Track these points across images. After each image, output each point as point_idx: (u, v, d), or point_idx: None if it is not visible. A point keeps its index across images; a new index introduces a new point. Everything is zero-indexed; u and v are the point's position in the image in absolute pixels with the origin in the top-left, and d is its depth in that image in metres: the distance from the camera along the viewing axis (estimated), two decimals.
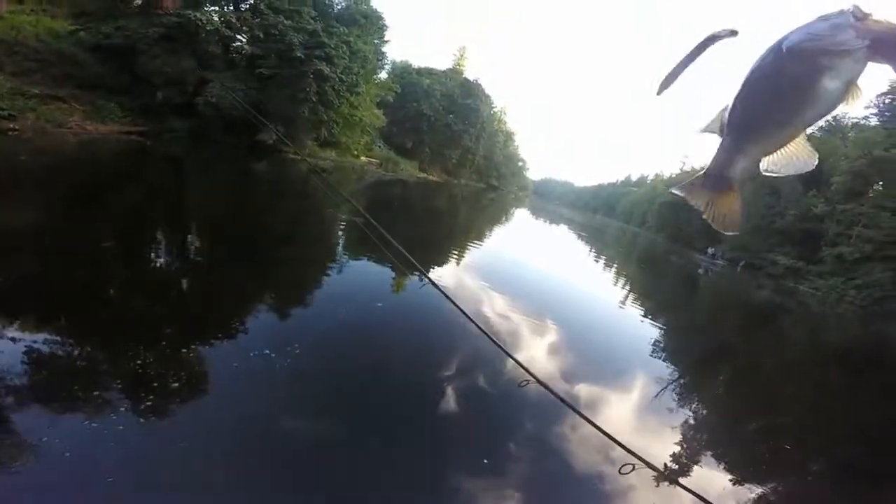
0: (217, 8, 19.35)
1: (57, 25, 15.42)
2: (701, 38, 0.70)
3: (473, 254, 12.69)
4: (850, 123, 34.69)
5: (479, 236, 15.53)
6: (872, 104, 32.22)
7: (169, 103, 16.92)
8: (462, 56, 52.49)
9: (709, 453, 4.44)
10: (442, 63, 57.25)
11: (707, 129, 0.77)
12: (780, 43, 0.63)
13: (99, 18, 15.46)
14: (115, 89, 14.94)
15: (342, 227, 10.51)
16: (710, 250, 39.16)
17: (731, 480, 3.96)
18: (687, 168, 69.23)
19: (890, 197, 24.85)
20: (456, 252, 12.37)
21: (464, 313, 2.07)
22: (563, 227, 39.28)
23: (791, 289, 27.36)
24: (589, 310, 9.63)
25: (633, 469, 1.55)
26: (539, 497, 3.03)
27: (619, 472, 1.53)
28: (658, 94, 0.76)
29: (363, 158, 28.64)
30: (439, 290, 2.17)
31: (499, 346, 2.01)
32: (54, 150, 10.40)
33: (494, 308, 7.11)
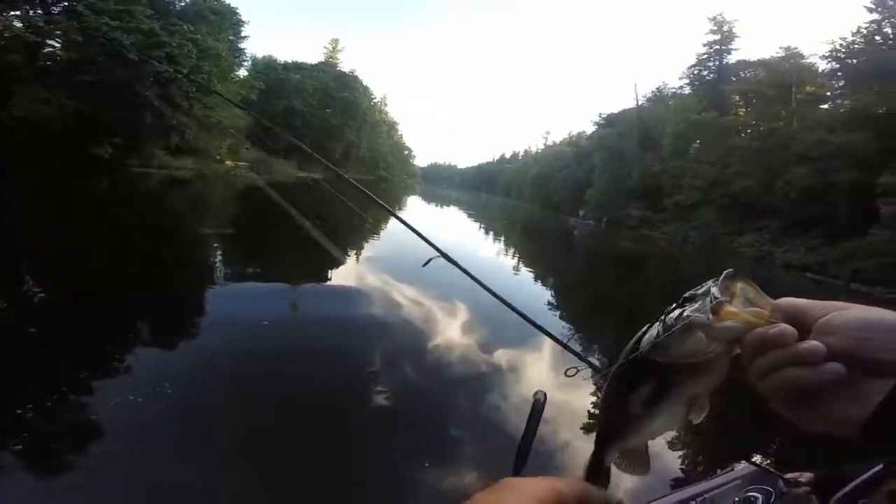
0: (19, 13, 15.80)
1: None
2: None
3: (374, 246, 12.40)
4: (670, 93, 41.57)
5: (376, 229, 15.08)
6: (685, 75, 39.21)
7: None
8: (335, 48, 50.35)
9: None
10: (315, 57, 54.23)
11: None
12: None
13: None
14: None
15: (218, 241, 9.17)
16: (580, 212, 44.13)
17: None
18: (549, 143, 77.46)
19: (706, 152, 30.47)
20: (355, 246, 11.95)
21: (480, 283, 1.82)
22: (454, 209, 41.04)
23: (646, 236, 32.36)
24: (490, 280, 10.04)
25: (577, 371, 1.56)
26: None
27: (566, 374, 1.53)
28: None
29: (229, 163, 25.59)
30: (455, 263, 1.87)
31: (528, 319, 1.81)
32: None
33: (404, 293, 7.07)
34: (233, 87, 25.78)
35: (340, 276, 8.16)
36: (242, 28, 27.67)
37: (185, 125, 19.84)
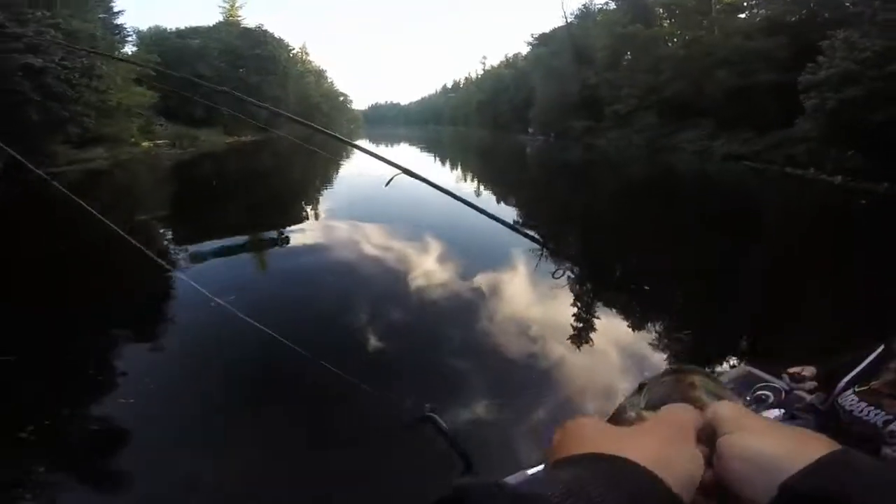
0: None
1: None
2: None
3: (331, 194, 12.38)
4: (597, 9, 40.97)
5: (328, 180, 14.60)
6: None
7: None
8: (233, 6, 44.44)
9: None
10: (212, 18, 48.07)
11: None
12: None
13: None
14: None
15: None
16: (529, 130, 45.48)
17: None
18: (487, 67, 74.52)
19: (638, 62, 31.18)
20: (311, 198, 12.09)
21: (445, 191, 1.81)
22: (405, 145, 40.24)
23: (592, 145, 33.30)
24: (456, 207, 10.38)
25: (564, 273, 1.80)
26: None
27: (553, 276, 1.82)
28: None
29: (146, 144, 23.20)
30: (416, 176, 1.81)
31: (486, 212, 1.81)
32: None
33: (374, 235, 7.26)
34: (122, 67, 23.31)
35: (305, 230, 8.10)
36: (113, 3, 25.06)
37: (82, 114, 17.73)
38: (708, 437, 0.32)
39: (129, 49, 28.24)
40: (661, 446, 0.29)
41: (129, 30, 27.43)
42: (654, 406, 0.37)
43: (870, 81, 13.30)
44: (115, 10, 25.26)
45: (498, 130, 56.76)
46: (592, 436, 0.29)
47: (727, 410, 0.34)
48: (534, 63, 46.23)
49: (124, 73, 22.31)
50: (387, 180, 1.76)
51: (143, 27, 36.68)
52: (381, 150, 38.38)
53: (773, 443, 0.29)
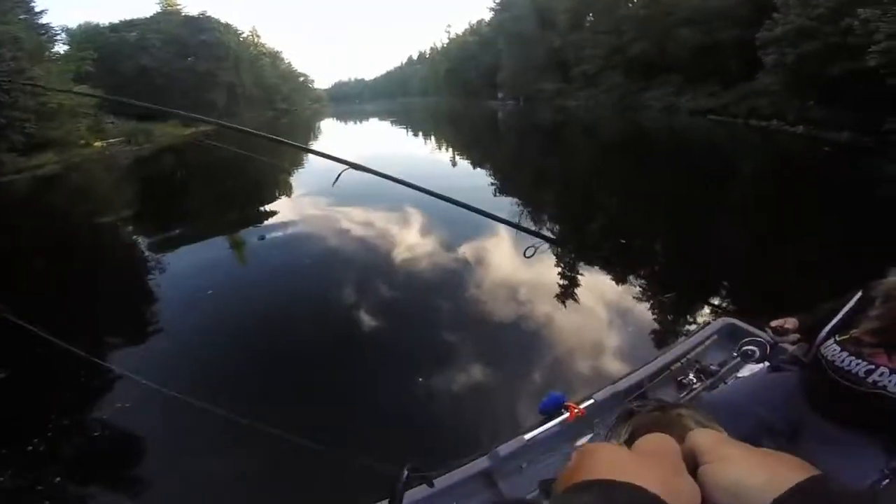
0: None
1: None
2: None
3: (301, 179, 11.79)
4: None
5: (295, 163, 14.13)
6: None
7: None
8: None
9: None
10: (148, 10, 44.89)
11: None
12: None
13: None
14: None
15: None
16: (499, 95, 46.09)
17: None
18: (452, 35, 72.89)
19: (600, 24, 31.18)
20: (282, 185, 11.40)
21: (397, 180, 1.76)
22: (375, 121, 39.33)
23: (562, 106, 33.13)
24: (434, 177, 10.27)
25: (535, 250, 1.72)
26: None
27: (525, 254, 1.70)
28: None
29: (98, 144, 21.82)
30: (365, 169, 1.75)
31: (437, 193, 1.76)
32: None
33: (361, 215, 7.12)
34: (56, 67, 21.86)
35: (272, 224, 7.84)
36: (34, 2, 22.78)
37: (19, 119, 16.52)
38: (689, 465, 0.34)
39: (60, 48, 25.77)
40: (668, 475, 0.30)
41: (56, 29, 24.83)
42: (637, 436, 0.38)
43: (825, 36, 13.80)
44: (38, 9, 23.06)
45: (468, 97, 56.14)
46: (607, 462, 0.30)
47: (706, 439, 0.36)
48: (497, 29, 46.45)
49: (57, 72, 21.04)
50: (335, 178, 1.71)
51: (73, 25, 33.80)
52: (351, 127, 37.61)
53: (750, 472, 0.31)
